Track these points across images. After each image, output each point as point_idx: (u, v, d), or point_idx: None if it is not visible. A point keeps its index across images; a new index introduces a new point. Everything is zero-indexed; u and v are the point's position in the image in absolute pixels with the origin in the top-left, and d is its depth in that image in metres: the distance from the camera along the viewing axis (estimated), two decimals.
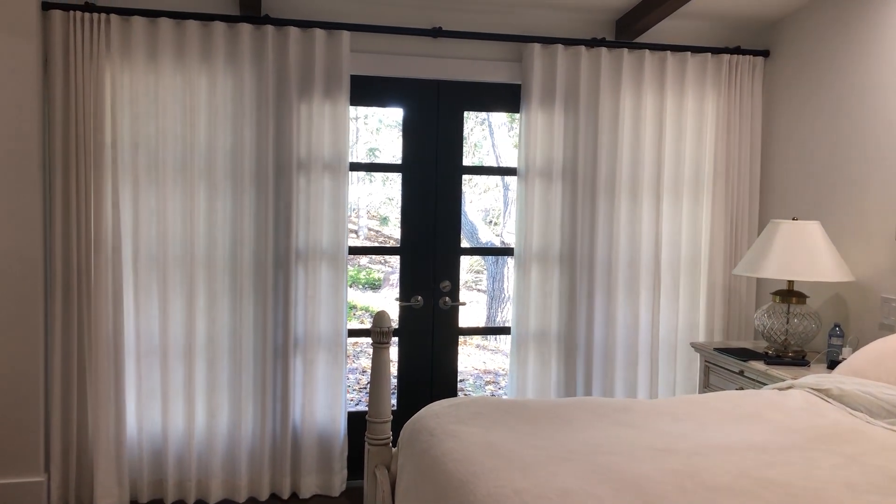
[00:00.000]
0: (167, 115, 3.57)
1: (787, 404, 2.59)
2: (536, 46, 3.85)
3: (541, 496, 1.79)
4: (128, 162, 3.56)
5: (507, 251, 5.56)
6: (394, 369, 4.47)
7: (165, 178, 3.58)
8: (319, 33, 3.65)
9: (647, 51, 3.96)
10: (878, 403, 2.52)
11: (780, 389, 2.84)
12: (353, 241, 8.52)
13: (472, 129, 8.36)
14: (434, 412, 2.49)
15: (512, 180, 7.40)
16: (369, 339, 5.38)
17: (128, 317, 3.61)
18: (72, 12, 3.41)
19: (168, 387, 3.65)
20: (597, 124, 3.94)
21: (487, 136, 8.38)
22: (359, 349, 7.52)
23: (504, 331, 4.57)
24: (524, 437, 2.21)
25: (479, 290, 8.92)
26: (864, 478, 1.95)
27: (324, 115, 3.72)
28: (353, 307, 8.41)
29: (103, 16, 3.45)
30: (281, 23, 3.62)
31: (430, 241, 4.04)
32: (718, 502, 1.77)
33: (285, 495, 3.80)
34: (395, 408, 4.10)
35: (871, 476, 1.96)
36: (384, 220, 9.37)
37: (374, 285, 9.02)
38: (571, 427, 2.32)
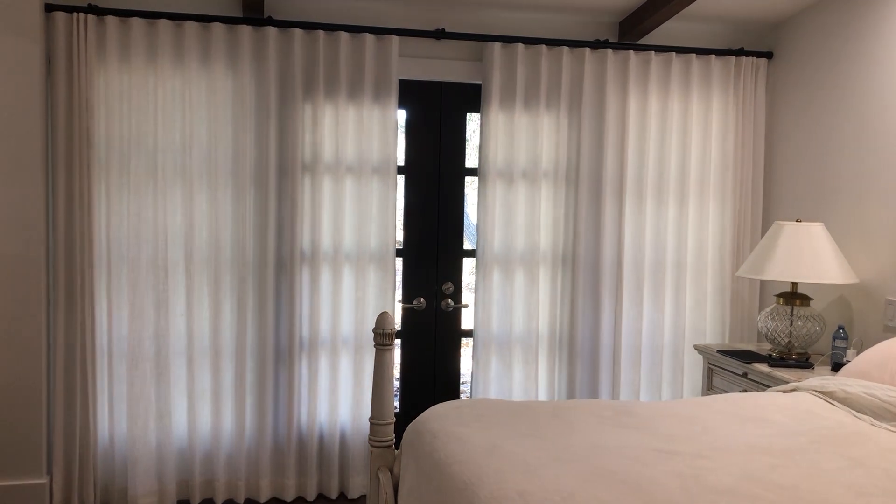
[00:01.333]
0: (218, 118, 3.60)
1: (792, 406, 2.58)
2: (497, 46, 3.81)
3: (544, 499, 1.78)
4: (143, 164, 3.56)
5: None
6: (396, 371, 4.46)
7: (216, 182, 3.60)
8: (370, 38, 3.67)
9: (651, 52, 3.96)
10: (883, 406, 2.52)
11: (784, 392, 2.83)
12: None
13: (474, 131, 8.34)
14: (437, 414, 2.48)
15: None
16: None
17: (176, 319, 3.64)
18: (75, 14, 3.41)
19: (219, 388, 3.69)
20: (612, 126, 3.95)
21: None
22: None
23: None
24: (527, 440, 2.20)
25: None
26: (869, 480, 1.94)
27: (373, 118, 3.74)
28: None
29: (108, 17, 3.45)
30: (331, 28, 3.64)
31: (433, 243, 4.04)
32: None
33: (333, 495, 3.82)
34: (397, 410, 4.10)
35: (876, 479, 1.95)
36: None
37: None
38: (574, 429, 2.31)
